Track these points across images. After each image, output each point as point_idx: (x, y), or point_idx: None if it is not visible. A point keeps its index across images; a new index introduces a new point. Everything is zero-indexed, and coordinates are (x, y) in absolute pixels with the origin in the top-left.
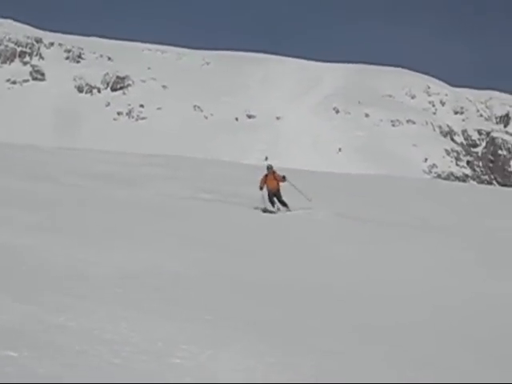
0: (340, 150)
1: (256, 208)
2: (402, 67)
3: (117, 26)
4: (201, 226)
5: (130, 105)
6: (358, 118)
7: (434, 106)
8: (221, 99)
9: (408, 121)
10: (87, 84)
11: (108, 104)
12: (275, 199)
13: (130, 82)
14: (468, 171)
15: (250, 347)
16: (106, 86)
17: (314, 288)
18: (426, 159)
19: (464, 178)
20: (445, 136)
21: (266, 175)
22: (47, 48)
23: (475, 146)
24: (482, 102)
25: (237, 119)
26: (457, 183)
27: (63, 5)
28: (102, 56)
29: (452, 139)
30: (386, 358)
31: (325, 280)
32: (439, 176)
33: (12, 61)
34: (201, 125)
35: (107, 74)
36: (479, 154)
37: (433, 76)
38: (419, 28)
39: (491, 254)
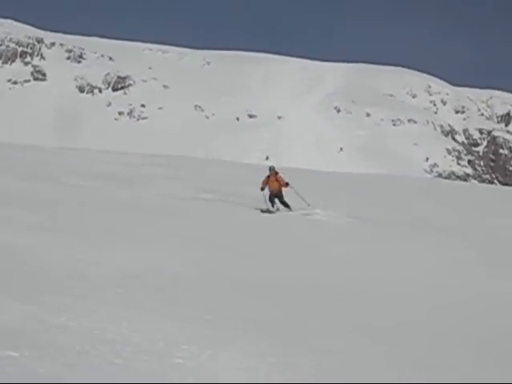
0: (341, 149)
1: (257, 208)
2: (403, 66)
3: (118, 26)
4: (202, 225)
5: (131, 105)
6: (359, 118)
7: (435, 105)
8: (222, 99)
9: (409, 120)
10: (88, 84)
11: (109, 104)
12: (276, 200)
13: (131, 82)
14: (469, 170)
15: (251, 347)
16: (107, 85)
17: (315, 287)
18: (427, 158)
19: (465, 178)
20: (446, 135)
21: (268, 176)
22: (48, 48)
23: (476, 145)
24: (483, 101)
25: (238, 119)
26: (458, 182)
27: (64, 5)
28: (103, 56)
29: (453, 138)
30: (385, 357)
31: (325, 279)
32: (440, 175)
33: (13, 61)
34: (202, 124)
35: (108, 73)
36: (480, 153)
37: (434, 75)
38: (420, 27)
39: (492, 254)
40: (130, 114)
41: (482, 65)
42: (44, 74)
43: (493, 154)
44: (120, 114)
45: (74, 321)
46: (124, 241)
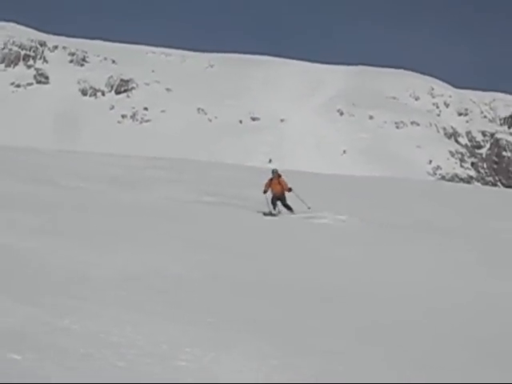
0: (344, 152)
1: (260, 211)
2: (406, 69)
3: (121, 29)
4: (204, 228)
5: (134, 108)
6: (362, 120)
7: (437, 107)
8: (225, 102)
9: (412, 122)
10: (91, 87)
11: (112, 107)
12: (279, 202)
13: (134, 85)
14: (472, 173)
15: (253, 349)
16: (110, 88)
17: (317, 290)
18: (430, 161)
19: (468, 180)
20: (449, 138)
21: (271, 179)
22: (51, 51)
23: (479, 147)
24: (486, 104)
25: (241, 122)
26: (461, 185)
27: (67, 8)
28: (106, 59)
29: (456, 141)
30: (386, 357)
31: (328, 281)
32: (443, 178)
33: (16, 64)
34: (205, 127)
35: (111, 76)
36: (483, 156)
37: (436, 77)
38: (422, 29)
39: (495, 255)
40: (132, 117)
41: (485, 67)
42: (47, 78)
43: (496, 157)
44: (123, 117)
45: (77, 323)
46: (126, 243)
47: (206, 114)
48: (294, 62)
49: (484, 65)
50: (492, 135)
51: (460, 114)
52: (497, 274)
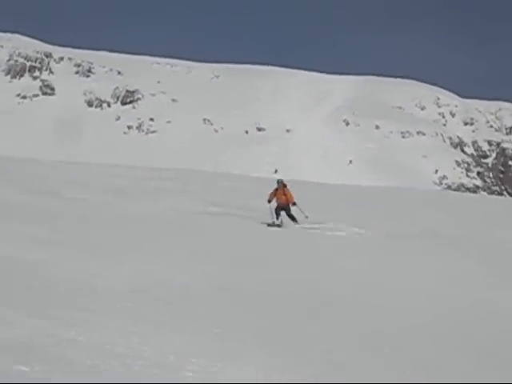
0: (351, 162)
1: (265, 222)
2: (411, 79)
3: (126, 40)
4: (210, 239)
5: (139, 118)
6: (368, 130)
7: (443, 117)
8: (231, 112)
9: (418, 132)
10: (97, 98)
11: (118, 118)
12: (283, 213)
13: (140, 96)
14: (478, 182)
15: (259, 360)
16: (115, 99)
17: (324, 300)
18: (436, 170)
19: (475, 189)
20: (455, 147)
21: (276, 189)
22: (57, 62)
23: (485, 156)
24: (491, 113)
25: (247, 132)
26: (467, 194)
27: (72, 19)
28: (111, 70)
29: (462, 150)
30: (386, 358)
31: (334, 291)
32: (450, 187)
33: (22, 75)
34: (211, 138)
35: (117, 87)
36: (489, 165)
37: (442, 87)
38: (428, 39)
39: (501, 265)
40: (138, 127)
41: (491, 77)
42: (53, 89)
43: (502, 166)
44: (129, 127)
45: (84, 335)
46: (132, 254)
47: (211, 124)
48: (300, 72)
49: (490, 74)
50: (498, 144)
51: (466, 124)
52: (502, 284)
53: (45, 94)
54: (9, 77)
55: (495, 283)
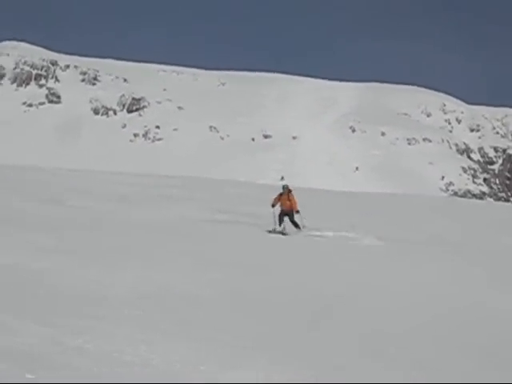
0: (357, 168)
1: (268, 230)
2: (418, 85)
3: (132, 48)
4: (216, 246)
5: (146, 126)
6: (374, 137)
7: (450, 123)
8: (237, 120)
9: (424, 139)
10: (103, 106)
11: (124, 126)
12: (286, 218)
13: (146, 104)
14: (485, 188)
15: (266, 367)
16: (121, 107)
17: (327, 303)
18: (442, 177)
19: (481, 196)
20: (461, 154)
21: (281, 194)
22: (63, 70)
23: (492, 163)
24: (498, 120)
25: (253, 139)
26: (474, 201)
27: (78, 27)
28: (117, 78)
29: (468, 157)
30: (388, 360)
31: (337, 297)
32: (456, 194)
33: (28, 84)
34: (217, 145)
35: (123, 95)
36: (496, 172)
37: (448, 94)
38: (434, 46)
39: (507, 271)
40: (144, 135)
41: (497, 83)
42: (59, 97)
43: (508, 172)
44: (135, 135)
45: (91, 343)
46: (138, 262)
47: (218, 131)
48: (306, 79)
49: (496, 81)
50: (504, 151)
51: (472, 130)
52: (503, 287)
53: (51, 101)
54: (15, 85)
55: (497, 286)
